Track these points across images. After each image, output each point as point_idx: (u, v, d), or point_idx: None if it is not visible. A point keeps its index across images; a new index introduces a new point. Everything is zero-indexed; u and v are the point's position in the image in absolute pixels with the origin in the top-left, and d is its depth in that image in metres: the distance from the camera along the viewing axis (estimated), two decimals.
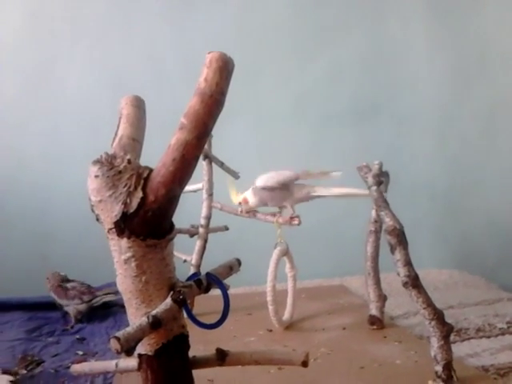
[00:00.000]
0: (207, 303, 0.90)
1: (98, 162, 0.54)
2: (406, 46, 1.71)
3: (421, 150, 1.73)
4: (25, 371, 0.99)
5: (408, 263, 0.84)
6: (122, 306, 0.58)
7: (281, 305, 1.12)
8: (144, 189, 0.53)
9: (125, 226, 0.53)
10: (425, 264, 1.46)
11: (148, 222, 0.53)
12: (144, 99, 0.62)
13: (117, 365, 0.60)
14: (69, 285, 1.29)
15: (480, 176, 1.75)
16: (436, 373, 0.83)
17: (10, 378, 0.95)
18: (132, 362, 0.59)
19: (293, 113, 1.68)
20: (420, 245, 1.51)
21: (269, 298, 1.08)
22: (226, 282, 0.60)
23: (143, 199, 0.52)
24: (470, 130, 1.75)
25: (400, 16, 1.71)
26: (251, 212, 1.13)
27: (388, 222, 0.86)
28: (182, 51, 1.59)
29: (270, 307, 1.09)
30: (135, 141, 0.58)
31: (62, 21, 1.56)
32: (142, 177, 0.53)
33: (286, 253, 1.12)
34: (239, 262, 0.62)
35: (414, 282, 0.83)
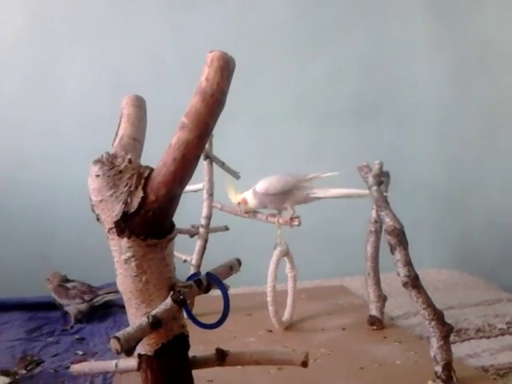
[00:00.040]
0: (207, 303, 0.89)
1: (98, 161, 0.54)
2: (406, 46, 1.71)
3: (421, 149, 1.73)
4: (24, 371, 0.99)
5: (408, 263, 0.84)
6: (122, 307, 0.58)
7: (281, 305, 1.12)
8: (145, 188, 0.53)
9: (125, 225, 0.53)
10: (425, 264, 1.46)
11: (148, 221, 0.53)
12: (144, 99, 0.62)
13: (116, 365, 0.60)
14: (69, 284, 1.29)
15: (480, 176, 1.75)
16: (436, 373, 0.83)
17: (6, 379, 0.95)
18: (132, 362, 0.58)
19: (293, 113, 1.68)
20: (420, 245, 1.51)
21: (269, 299, 1.08)
22: (226, 282, 0.60)
23: (144, 199, 0.52)
24: (470, 130, 1.75)
25: (400, 16, 1.71)
26: (251, 212, 1.13)
27: (388, 222, 0.86)
28: (182, 51, 1.59)
29: (270, 307, 1.09)
30: (136, 140, 0.58)
31: (62, 21, 1.56)
32: (143, 176, 0.53)
33: (286, 253, 1.12)
34: (239, 262, 0.62)
35: (413, 282, 0.83)
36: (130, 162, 0.54)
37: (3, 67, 1.54)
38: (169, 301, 0.54)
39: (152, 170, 0.54)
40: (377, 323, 1.11)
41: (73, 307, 1.26)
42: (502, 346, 1.03)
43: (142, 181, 0.53)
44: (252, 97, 1.61)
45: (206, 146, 1.12)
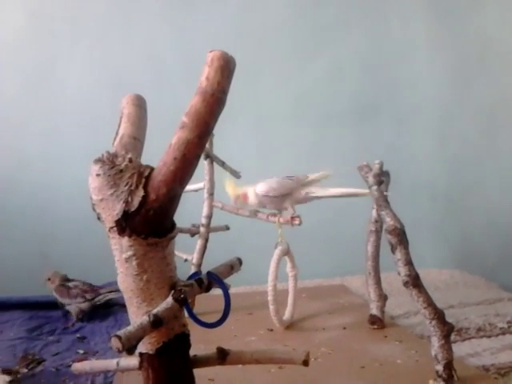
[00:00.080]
0: (208, 302, 0.90)
1: (99, 160, 0.54)
2: (406, 46, 1.71)
3: (421, 149, 1.73)
4: (26, 370, 1.00)
5: (409, 263, 0.84)
6: (123, 305, 0.58)
7: (281, 304, 1.12)
8: (145, 187, 0.53)
9: (126, 224, 0.53)
10: (425, 264, 1.46)
11: (149, 220, 0.53)
12: (144, 98, 0.62)
13: (118, 363, 0.60)
14: (71, 284, 1.29)
15: (480, 176, 1.75)
16: (437, 372, 0.83)
17: (8, 378, 0.95)
18: (133, 361, 0.59)
19: (293, 113, 1.68)
20: (420, 244, 1.51)
21: (270, 298, 1.08)
22: (227, 281, 0.61)
23: (144, 198, 0.52)
24: (470, 130, 1.75)
25: (400, 16, 1.71)
26: (252, 211, 1.14)
27: (389, 221, 0.86)
28: (182, 51, 1.59)
29: (271, 307, 1.09)
30: (136, 140, 0.58)
31: (62, 21, 1.56)
32: (144, 175, 0.53)
33: (286, 252, 1.12)
34: (240, 261, 0.62)
35: (414, 281, 0.83)
36: (130, 161, 0.54)
37: (3, 67, 1.54)
38: (170, 300, 0.54)
39: (152, 169, 0.54)
40: (377, 322, 1.11)
41: (74, 306, 1.26)
42: (502, 345, 1.03)
43: (143, 180, 0.53)
44: (252, 97, 1.61)
45: (207, 146, 1.12)
